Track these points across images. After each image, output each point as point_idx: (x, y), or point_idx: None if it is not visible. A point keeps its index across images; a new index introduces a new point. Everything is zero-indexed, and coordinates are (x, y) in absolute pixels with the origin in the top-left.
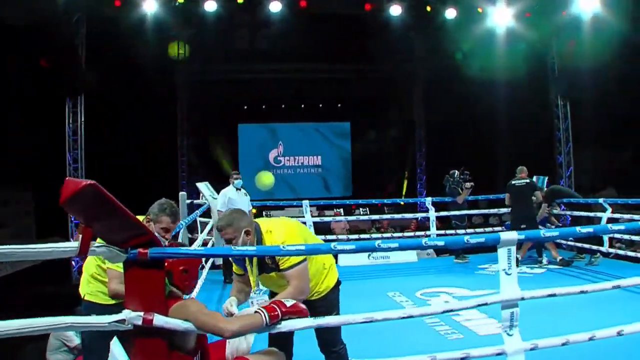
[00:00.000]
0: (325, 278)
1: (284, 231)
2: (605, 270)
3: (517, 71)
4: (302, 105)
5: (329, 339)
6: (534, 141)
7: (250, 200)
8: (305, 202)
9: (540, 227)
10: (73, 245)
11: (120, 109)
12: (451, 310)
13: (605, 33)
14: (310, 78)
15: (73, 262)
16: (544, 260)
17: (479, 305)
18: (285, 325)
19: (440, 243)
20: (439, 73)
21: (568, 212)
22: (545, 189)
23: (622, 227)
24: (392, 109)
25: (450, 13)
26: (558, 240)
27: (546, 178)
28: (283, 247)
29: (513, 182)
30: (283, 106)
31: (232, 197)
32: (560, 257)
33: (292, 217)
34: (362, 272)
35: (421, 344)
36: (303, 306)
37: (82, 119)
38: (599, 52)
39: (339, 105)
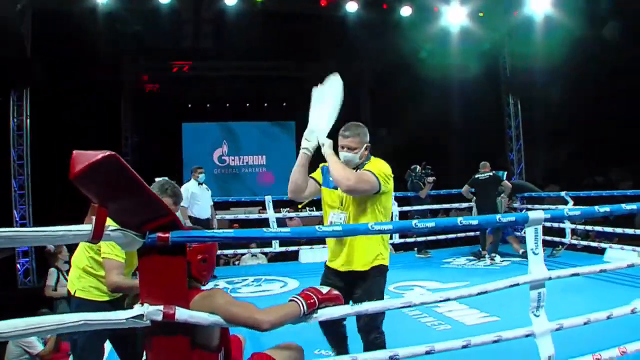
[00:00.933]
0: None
1: (380, 162)
2: (569, 261)
3: (471, 70)
4: (248, 104)
5: (368, 323)
6: (487, 139)
7: (211, 196)
8: (269, 198)
9: None
10: (86, 228)
11: (66, 104)
12: (485, 292)
13: (556, 34)
14: (257, 76)
15: (18, 265)
16: (497, 258)
17: (511, 286)
18: (322, 314)
19: (474, 222)
20: (390, 71)
21: (529, 205)
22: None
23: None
24: (341, 108)
25: (406, 11)
26: (517, 235)
27: (505, 173)
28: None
29: (477, 176)
30: (228, 105)
31: (195, 192)
32: (523, 250)
33: (251, 214)
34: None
35: (412, 336)
36: (338, 292)
37: (28, 113)
38: (549, 52)
39: (285, 104)
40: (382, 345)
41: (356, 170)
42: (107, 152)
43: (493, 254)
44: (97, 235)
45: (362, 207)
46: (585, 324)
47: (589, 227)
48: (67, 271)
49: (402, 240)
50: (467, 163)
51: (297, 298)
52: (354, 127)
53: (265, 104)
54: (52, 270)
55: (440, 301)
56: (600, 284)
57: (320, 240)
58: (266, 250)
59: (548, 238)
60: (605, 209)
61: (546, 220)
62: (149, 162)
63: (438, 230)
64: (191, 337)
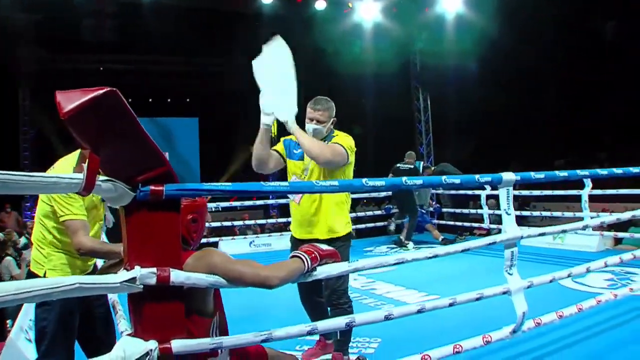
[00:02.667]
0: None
1: (346, 135)
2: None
3: (383, 65)
4: (150, 99)
5: (337, 289)
6: (399, 132)
7: None
8: None
9: (422, 210)
10: (77, 177)
11: None
12: (468, 249)
13: (466, 32)
14: (160, 71)
15: None
16: (410, 245)
17: (489, 245)
18: (322, 272)
19: (457, 181)
20: (303, 66)
21: (453, 192)
22: (428, 170)
23: (587, 172)
24: (242, 105)
25: (320, 5)
26: (435, 222)
27: (421, 163)
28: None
29: (399, 165)
30: (130, 100)
31: None
32: (443, 237)
33: None
34: None
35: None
36: (333, 249)
37: None
38: (459, 50)
39: (188, 99)
40: (352, 312)
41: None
42: (107, 88)
43: (406, 242)
44: (88, 186)
45: (326, 177)
46: (551, 281)
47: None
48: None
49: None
50: (380, 156)
51: (300, 253)
52: (325, 101)
53: (169, 100)
54: (8, 259)
55: (431, 257)
56: (525, 265)
57: (241, 232)
58: None
59: (459, 223)
60: (563, 173)
61: (517, 181)
62: (47, 157)
63: (426, 185)
64: (186, 302)
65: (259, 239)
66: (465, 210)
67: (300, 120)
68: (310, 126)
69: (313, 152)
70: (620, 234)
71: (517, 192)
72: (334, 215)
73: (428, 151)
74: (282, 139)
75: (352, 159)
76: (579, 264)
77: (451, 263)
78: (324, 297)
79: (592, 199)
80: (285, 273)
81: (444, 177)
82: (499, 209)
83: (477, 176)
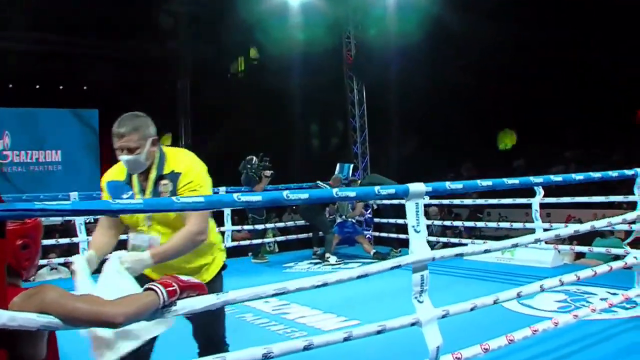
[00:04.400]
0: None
1: (193, 160)
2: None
3: (313, 52)
4: (38, 86)
5: (212, 333)
6: (332, 129)
7: None
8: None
9: (349, 220)
10: None
11: None
12: (365, 275)
13: (410, 12)
14: (51, 53)
15: None
16: (332, 259)
17: (393, 268)
18: (184, 306)
19: (352, 194)
20: (216, 54)
21: (387, 202)
22: (356, 178)
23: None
24: (154, 96)
25: None
26: (367, 235)
27: (351, 165)
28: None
29: (319, 182)
30: (10, 86)
31: None
32: (375, 251)
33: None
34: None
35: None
36: (199, 281)
37: None
38: (400, 35)
39: (86, 87)
40: None
41: (149, 172)
42: None
43: (327, 255)
44: None
45: (180, 218)
46: (472, 309)
47: (447, 223)
48: None
49: (235, 244)
50: (310, 154)
51: (155, 285)
52: (130, 119)
53: (61, 87)
54: None
55: (318, 286)
56: (466, 281)
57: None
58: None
59: (393, 235)
60: (487, 182)
61: (428, 193)
62: None
63: (313, 199)
64: (10, 348)
65: None
66: (401, 221)
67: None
68: (122, 158)
69: (182, 250)
70: (580, 248)
71: (469, 201)
72: (196, 257)
73: (363, 150)
74: (104, 181)
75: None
76: (530, 281)
77: (383, 281)
78: (199, 349)
79: (557, 205)
80: (134, 309)
81: (335, 190)
82: (441, 218)
83: (376, 188)
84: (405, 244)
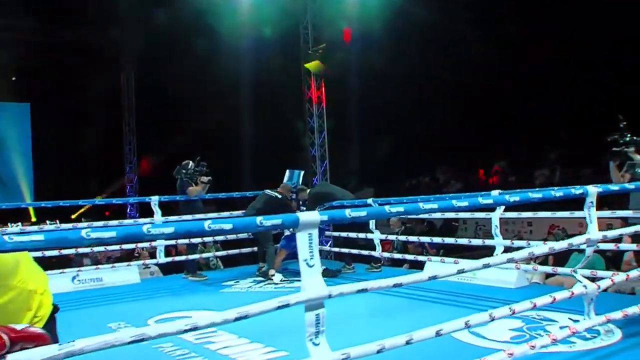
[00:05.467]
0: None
1: None
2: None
3: (267, 43)
4: None
5: None
6: (286, 130)
7: None
8: None
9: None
10: None
11: None
12: (245, 316)
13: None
14: None
15: None
16: (276, 277)
17: (279, 308)
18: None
19: (228, 226)
20: (158, 43)
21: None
22: (305, 187)
23: (466, 202)
24: (93, 88)
25: None
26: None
27: (301, 172)
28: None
29: (267, 191)
30: None
31: None
32: (324, 267)
33: None
34: (67, 301)
35: None
36: (39, 330)
37: None
38: (366, 23)
39: (14, 78)
40: None
41: None
42: None
43: (272, 272)
44: None
45: None
46: (378, 352)
47: (412, 238)
48: None
49: (168, 260)
50: (260, 158)
51: None
52: None
53: None
54: None
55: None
56: (421, 304)
57: (60, 263)
58: None
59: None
60: (398, 208)
61: (323, 222)
62: None
63: (238, 229)
64: None
65: (85, 272)
66: (353, 234)
67: None
68: None
69: None
70: (543, 269)
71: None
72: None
73: (322, 153)
74: None
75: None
76: (492, 305)
77: (330, 302)
78: None
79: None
80: None
81: (259, 220)
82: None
83: (259, 219)
84: (364, 259)
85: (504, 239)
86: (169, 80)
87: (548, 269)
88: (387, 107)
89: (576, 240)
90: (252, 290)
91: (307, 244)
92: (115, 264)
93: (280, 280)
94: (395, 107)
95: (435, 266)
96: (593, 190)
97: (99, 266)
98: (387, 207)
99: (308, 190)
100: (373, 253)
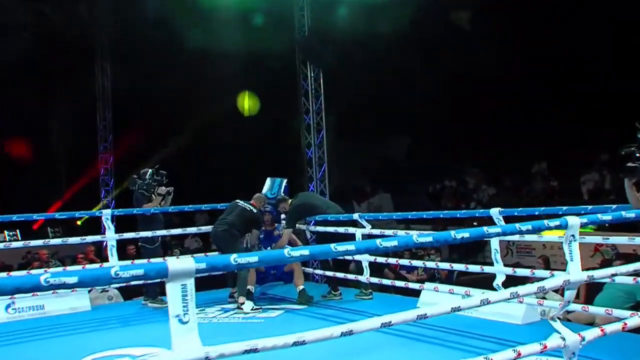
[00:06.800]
0: None
1: None
2: (369, 309)
3: (258, 33)
4: None
5: None
6: (281, 129)
7: None
8: None
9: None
10: None
11: None
12: None
13: None
14: None
15: None
16: (246, 305)
17: None
18: None
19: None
20: (137, 38)
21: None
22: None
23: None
24: (63, 88)
25: None
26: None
27: (284, 180)
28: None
29: (238, 201)
30: None
31: None
32: (301, 288)
33: None
34: None
35: None
36: None
37: None
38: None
39: None
40: None
41: None
42: None
43: (242, 300)
44: None
45: None
46: None
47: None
48: None
49: (123, 284)
50: (258, 165)
51: None
52: None
53: None
54: None
55: None
56: (409, 343)
57: None
58: None
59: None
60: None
61: (201, 271)
62: None
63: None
64: None
65: (22, 299)
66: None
67: None
68: None
69: None
70: (549, 304)
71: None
72: None
73: (319, 155)
74: None
75: None
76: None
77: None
78: None
79: None
80: None
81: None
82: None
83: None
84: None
85: None
86: (152, 73)
87: (555, 304)
88: (402, 102)
89: (550, 283)
90: (217, 321)
91: (179, 298)
92: (59, 290)
93: (252, 310)
94: (412, 101)
95: (430, 296)
96: (575, 221)
97: (38, 293)
98: (378, 241)
99: (290, 201)
100: (360, 277)
